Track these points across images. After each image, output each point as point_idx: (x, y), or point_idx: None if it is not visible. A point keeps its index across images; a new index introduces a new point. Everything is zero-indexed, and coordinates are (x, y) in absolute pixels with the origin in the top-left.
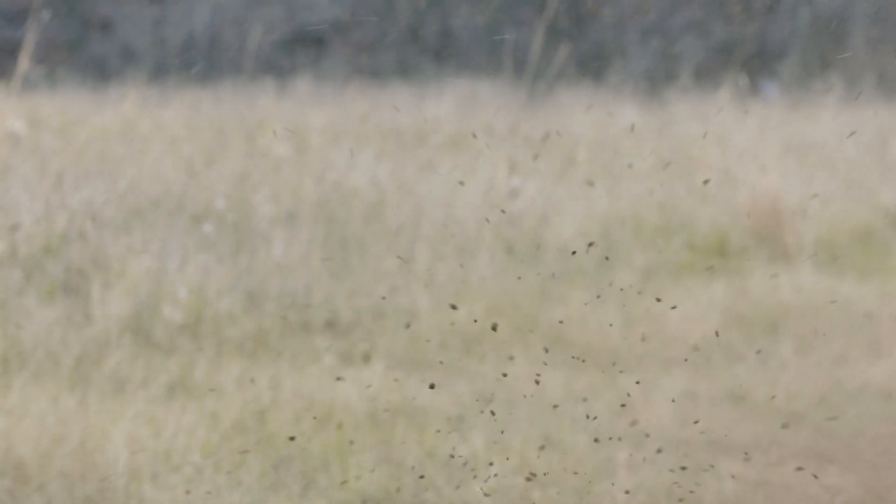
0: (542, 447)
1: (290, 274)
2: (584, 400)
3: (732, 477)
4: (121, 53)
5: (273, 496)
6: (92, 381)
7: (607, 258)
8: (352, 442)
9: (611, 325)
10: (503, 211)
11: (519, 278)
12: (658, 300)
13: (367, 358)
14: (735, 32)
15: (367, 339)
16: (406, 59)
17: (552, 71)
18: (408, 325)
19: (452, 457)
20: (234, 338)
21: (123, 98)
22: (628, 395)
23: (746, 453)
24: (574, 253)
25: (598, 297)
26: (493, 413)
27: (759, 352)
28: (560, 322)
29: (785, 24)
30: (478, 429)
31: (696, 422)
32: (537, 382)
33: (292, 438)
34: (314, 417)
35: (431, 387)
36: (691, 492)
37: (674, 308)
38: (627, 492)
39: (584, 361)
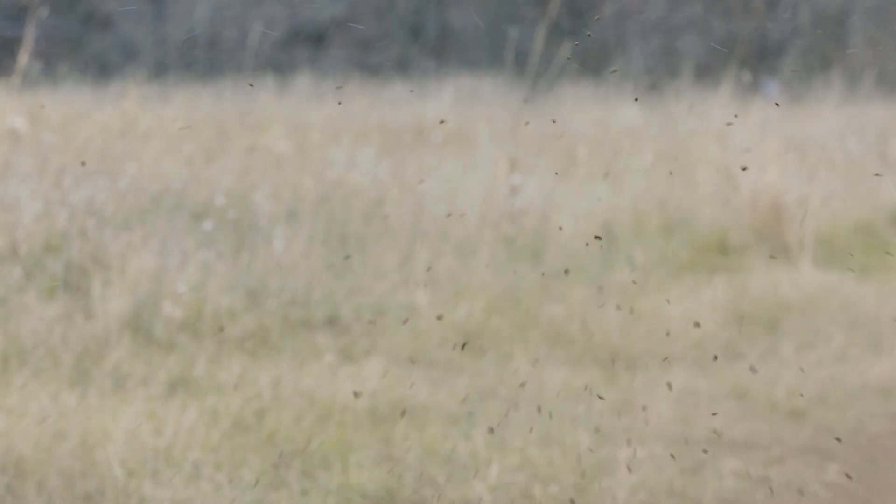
0: (543, 444)
1: (291, 271)
2: (586, 388)
3: (733, 474)
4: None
5: (273, 494)
6: (92, 378)
7: (607, 255)
8: (352, 440)
9: (612, 322)
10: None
11: (515, 273)
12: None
13: (367, 355)
14: (735, 30)
15: (368, 336)
16: (406, 56)
17: (553, 68)
18: (405, 321)
19: (452, 454)
20: (234, 335)
21: (124, 95)
22: (629, 392)
23: (747, 450)
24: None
25: (599, 293)
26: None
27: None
28: (560, 319)
29: (785, 21)
30: (478, 426)
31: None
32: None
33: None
34: (315, 415)
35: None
36: (692, 489)
37: (674, 306)
38: (628, 489)
39: (584, 359)
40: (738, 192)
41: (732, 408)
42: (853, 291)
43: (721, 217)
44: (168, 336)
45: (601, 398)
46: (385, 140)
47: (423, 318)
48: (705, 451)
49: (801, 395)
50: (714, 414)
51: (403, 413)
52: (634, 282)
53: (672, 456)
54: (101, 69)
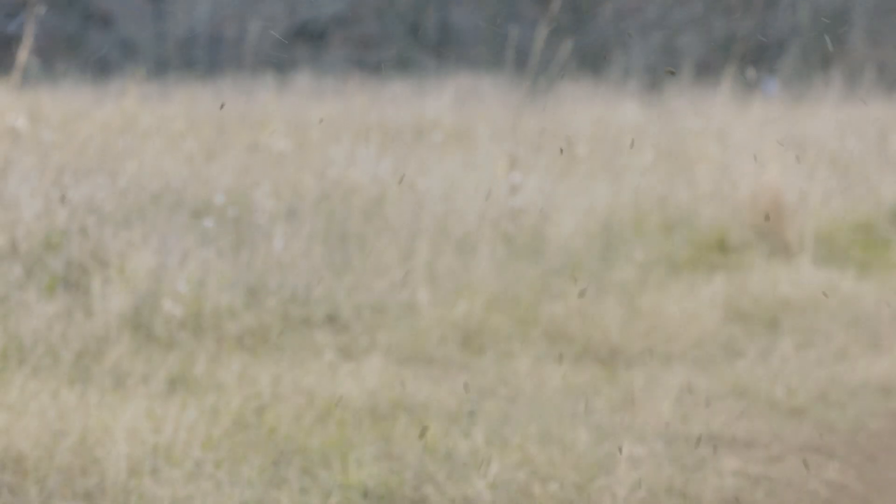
0: (543, 442)
1: (291, 269)
2: (587, 393)
3: (733, 472)
4: (121, 48)
5: (273, 491)
6: (92, 375)
7: (607, 252)
8: (352, 437)
9: (612, 320)
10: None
11: (515, 270)
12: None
13: (367, 352)
14: (735, 28)
15: (368, 334)
16: (406, 55)
17: (554, 66)
18: (403, 318)
19: (452, 452)
20: (234, 333)
21: (124, 93)
22: (629, 389)
23: (747, 448)
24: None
25: (598, 291)
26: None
27: (760, 349)
28: (560, 317)
29: (785, 19)
30: (478, 424)
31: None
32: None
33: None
34: (315, 412)
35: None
36: (692, 487)
37: (674, 304)
38: (628, 487)
39: (584, 356)
40: (737, 190)
41: (732, 406)
42: (853, 288)
43: (721, 215)
44: (168, 334)
45: (601, 395)
46: (385, 138)
47: (423, 316)
48: (705, 449)
49: (801, 393)
50: (714, 411)
51: (401, 410)
52: (633, 280)
53: (672, 454)
54: (101, 67)
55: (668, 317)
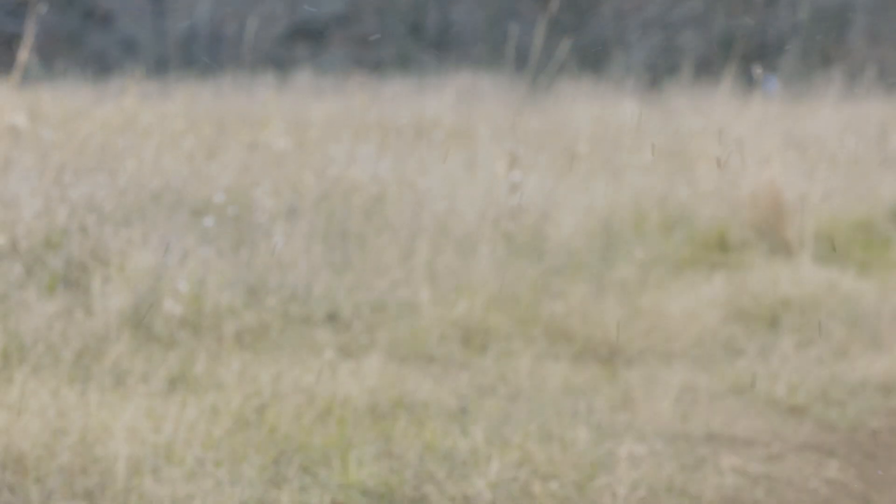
0: (543, 441)
1: (291, 268)
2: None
3: (733, 470)
4: (121, 46)
5: (274, 490)
6: (92, 374)
7: (607, 251)
8: (352, 436)
9: (612, 318)
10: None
11: (515, 269)
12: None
13: (367, 351)
14: (736, 26)
15: (368, 332)
16: (407, 53)
17: (553, 64)
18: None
19: (453, 451)
20: (234, 331)
21: (124, 91)
22: (630, 388)
23: (747, 447)
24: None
25: (599, 290)
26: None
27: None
28: (560, 316)
29: (786, 17)
30: (478, 422)
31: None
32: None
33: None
34: (315, 411)
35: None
36: (692, 485)
37: (674, 303)
38: (628, 486)
39: (584, 355)
40: (738, 188)
41: (732, 404)
42: (853, 287)
43: (721, 213)
44: (168, 332)
45: (601, 394)
46: (385, 136)
47: (423, 315)
48: (705, 448)
49: (802, 391)
50: (714, 410)
51: (402, 409)
52: (633, 279)
53: (672, 452)
54: (101, 65)
55: (668, 316)
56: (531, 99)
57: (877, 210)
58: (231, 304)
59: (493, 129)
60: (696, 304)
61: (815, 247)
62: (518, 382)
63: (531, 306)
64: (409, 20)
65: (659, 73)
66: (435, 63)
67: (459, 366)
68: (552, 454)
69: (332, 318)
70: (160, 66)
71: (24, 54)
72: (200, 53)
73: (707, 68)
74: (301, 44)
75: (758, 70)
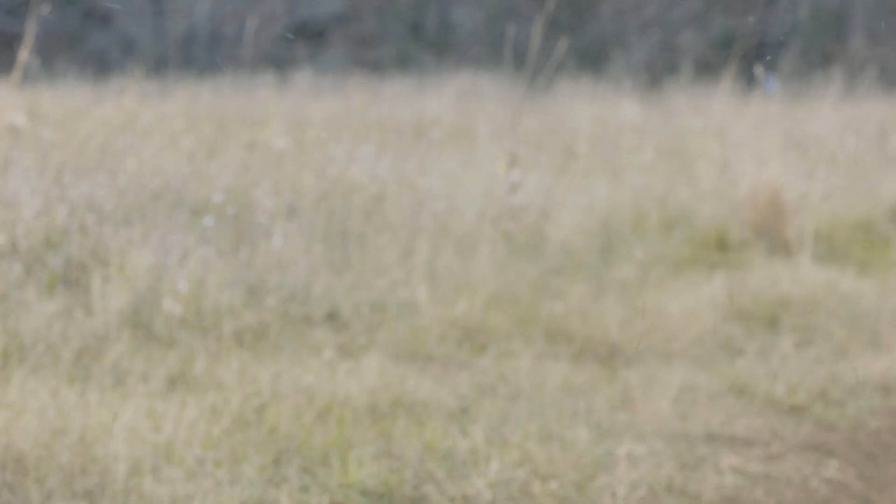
0: (543, 441)
1: (290, 267)
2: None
3: (733, 470)
4: (121, 46)
5: (273, 490)
6: (92, 374)
7: (607, 251)
8: (351, 436)
9: (611, 318)
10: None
11: (515, 269)
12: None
13: (366, 350)
14: (735, 26)
15: (368, 332)
16: (406, 53)
17: (552, 64)
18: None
19: (452, 450)
20: (234, 331)
21: (123, 91)
22: (629, 388)
23: (747, 446)
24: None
25: (598, 290)
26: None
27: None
28: (560, 315)
29: (785, 17)
30: (478, 422)
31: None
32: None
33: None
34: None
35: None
36: (691, 485)
37: (674, 302)
38: (628, 485)
39: (584, 355)
40: (737, 188)
41: (732, 404)
42: (853, 287)
43: (721, 213)
44: (168, 332)
45: (601, 393)
46: (385, 136)
47: (422, 315)
48: (705, 447)
49: (801, 391)
50: (713, 409)
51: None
52: (633, 278)
53: (671, 452)
54: (101, 65)
55: (667, 315)
56: (531, 98)
57: (877, 210)
58: (231, 304)
59: (492, 129)
60: (695, 304)
61: (815, 246)
62: (518, 382)
63: (531, 306)
64: (409, 20)
65: (658, 72)
66: (434, 63)
67: (459, 366)
68: (552, 454)
69: (332, 317)
70: (160, 66)
71: (24, 54)
72: (200, 53)
73: (706, 68)
74: (300, 43)
75: (757, 70)
